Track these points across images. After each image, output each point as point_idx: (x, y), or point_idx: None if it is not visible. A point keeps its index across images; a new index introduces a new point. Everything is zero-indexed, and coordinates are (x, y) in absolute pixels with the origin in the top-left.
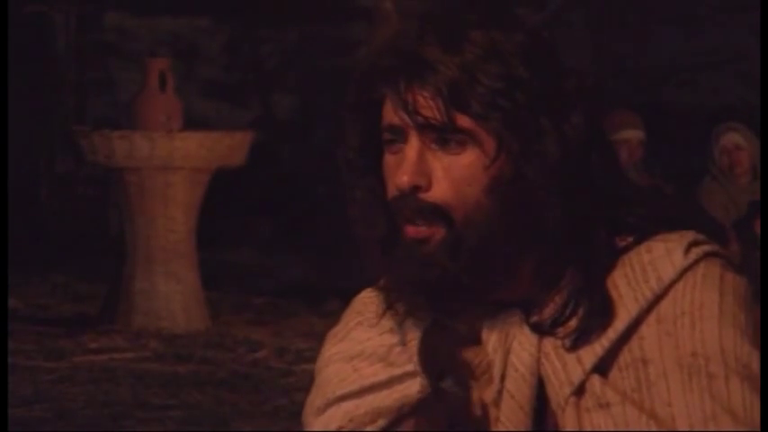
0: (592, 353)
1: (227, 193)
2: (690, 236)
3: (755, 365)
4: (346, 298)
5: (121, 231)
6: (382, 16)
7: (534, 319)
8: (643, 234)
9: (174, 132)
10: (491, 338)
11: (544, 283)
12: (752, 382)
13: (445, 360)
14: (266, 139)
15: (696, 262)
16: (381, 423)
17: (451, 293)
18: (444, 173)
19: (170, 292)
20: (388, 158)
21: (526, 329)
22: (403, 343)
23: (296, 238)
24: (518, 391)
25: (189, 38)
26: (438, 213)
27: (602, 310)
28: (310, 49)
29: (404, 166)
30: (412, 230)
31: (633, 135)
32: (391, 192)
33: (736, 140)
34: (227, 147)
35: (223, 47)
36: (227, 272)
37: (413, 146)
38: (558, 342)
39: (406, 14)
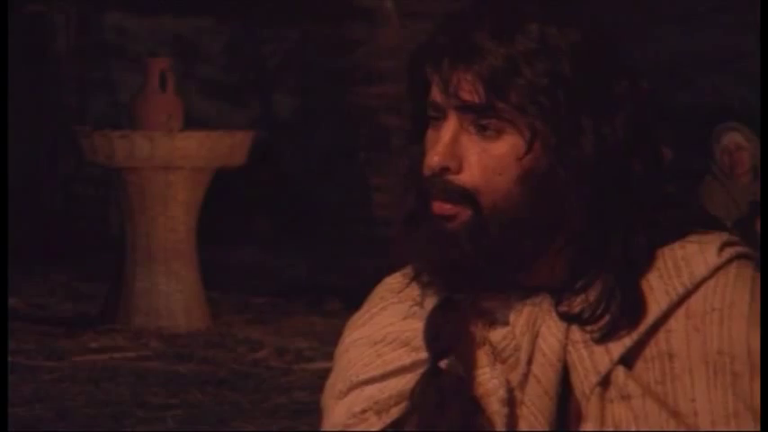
0: (620, 344)
1: (227, 192)
2: (724, 236)
3: None
4: (346, 298)
5: (122, 231)
6: (383, 16)
7: (563, 307)
8: (678, 232)
9: (175, 132)
10: (519, 322)
11: (575, 275)
12: None
13: (450, 339)
14: (267, 139)
15: (729, 261)
16: (406, 405)
17: (469, 274)
18: (477, 158)
19: (170, 291)
20: (430, 134)
21: (555, 316)
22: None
23: (296, 237)
24: (544, 375)
25: (189, 38)
26: (465, 196)
27: (633, 304)
28: (311, 50)
29: (437, 146)
30: (438, 207)
31: None
32: (425, 168)
33: (737, 140)
34: (227, 147)
35: (224, 47)
36: (227, 271)
37: (449, 127)
38: (586, 331)
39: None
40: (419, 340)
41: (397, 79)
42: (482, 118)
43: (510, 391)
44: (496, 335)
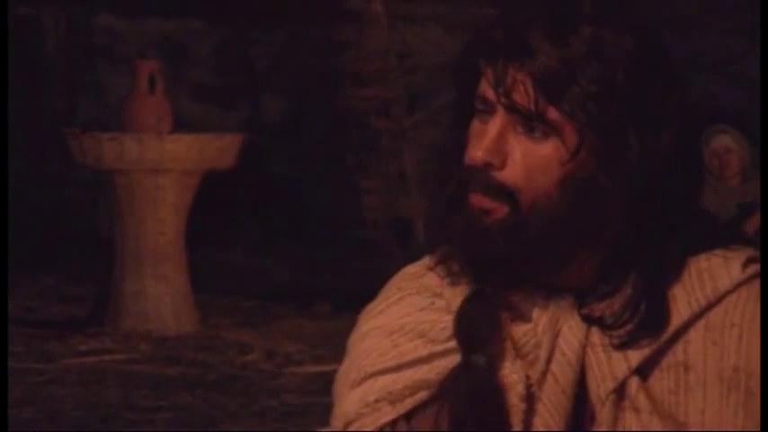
0: (639, 352)
1: (216, 195)
2: (749, 252)
3: None
4: (336, 300)
5: (111, 233)
6: (372, 18)
7: (585, 310)
8: (706, 245)
9: (164, 134)
10: (542, 319)
11: (602, 279)
12: None
13: (482, 333)
14: (256, 142)
15: (752, 278)
16: (422, 395)
17: (501, 269)
18: (521, 157)
19: (159, 294)
20: (476, 124)
21: (576, 316)
22: (446, 320)
23: (286, 240)
24: (562, 375)
25: (178, 40)
26: (505, 193)
27: (656, 314)
28: (300, 52)
29: (483, 141)
30: (476, 200)
31: None
32: (467, 159)
33: (726, 143)
34: (216, 149)
35: (212, 49)
36: (216, 274)
37: (496, 123)
38: (607, 336)
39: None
40: (436, 332)
41: (386, 81)
42: (530, 121)
43: (528, 387)
44: (518, 330)
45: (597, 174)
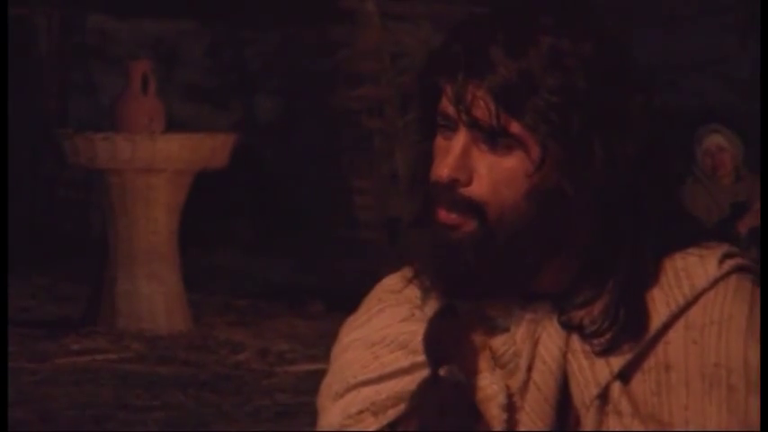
0: (621, 356)
1: (209, 195)
2: (724, 248)
3: None
4: (329, 300)
5: (104, 233)
6: (365, 18)
7: (564, 317)
8: (680, 244)
9: (157, 134)
10: (520, 328)
11: (579, 286)
12: None
13: (450, 347)
14: (248, 142)
15: (729, 273)
16: (404, 407)
17: (471, 283)
18: (487, 171)
19: (152, 293)
20: (439, 141)
21: (555, 323)
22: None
23: (278, 240)
24: (544, 383)
25: (171, 40)
26: (472, 208)
27: (635, 318)
28: (292, 52)
29: (447, 158)
30: (443, 215)
31: None
32: (433, 176)
33: (718, 142)
34: (209, 149)
35: (205, 49)
36: (209, 274)
37: (460, 140)
38: (588, 342)
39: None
40: (417, 343)
41: (379, 81)
42: (493, 136)
43: (509, 396)
44: (497, 341)
45: (563, 183)
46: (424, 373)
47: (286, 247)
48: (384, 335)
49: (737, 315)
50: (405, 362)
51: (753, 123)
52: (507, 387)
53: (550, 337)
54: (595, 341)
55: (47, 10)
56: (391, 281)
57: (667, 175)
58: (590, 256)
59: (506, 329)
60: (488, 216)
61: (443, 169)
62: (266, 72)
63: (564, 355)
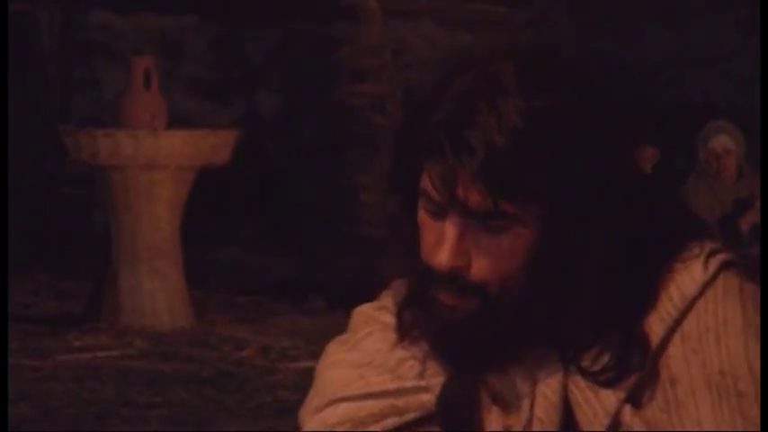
0: (626, 382)
1: (211, 191)
2: (705, 246)
3: None
4: (331, 297)
5: (106, 229)
6: (367, 14)
7: (563, 357)
8: (667, 259)
9: (159, 131)
10: (519, 368)
11: (579, 330)
12: None
13: (466, 410)
14: (251, 138)
15: (716, 275)
16: (391, 422)
17: (476, 355)
18: (485, 251)
19: (155, 290)
20: (424, 218)
21: (553, 359)
22: (415, 357)
23: (281, 236)
24: (547, 417)
25: (174, 36)
26: (475, 289)
27: (640, 353)
28: (295, 48)
29: (443, 246)
30: (446, 298)
31: None
32: (426, 255)
33: (725, 144)
34: (211, 145)
35: (208, 45)
36: (211, 270)
37: (453, 225)
38: (588, 372)
39: (451, 81)
40: (405, 369)
41: (382, 77)
42: (487, 219)
43: None
44: (497, 383)
45: (562, 246)
46: (413, 398)
47: (288, 244)
48: (372, 358)
49: (732, 317)
50: (391, 385)
51: (755, 120)
52: (508, 427)
53: (549, 372)
54: (600, 376)
55: (49, 6)
56: (373, 308)
57: (654, 210)
58: (589, 303)
59: (506, 372)
60: (490, 293)
61: (441, 258)
62: (269, 68)
63: (565, 388)
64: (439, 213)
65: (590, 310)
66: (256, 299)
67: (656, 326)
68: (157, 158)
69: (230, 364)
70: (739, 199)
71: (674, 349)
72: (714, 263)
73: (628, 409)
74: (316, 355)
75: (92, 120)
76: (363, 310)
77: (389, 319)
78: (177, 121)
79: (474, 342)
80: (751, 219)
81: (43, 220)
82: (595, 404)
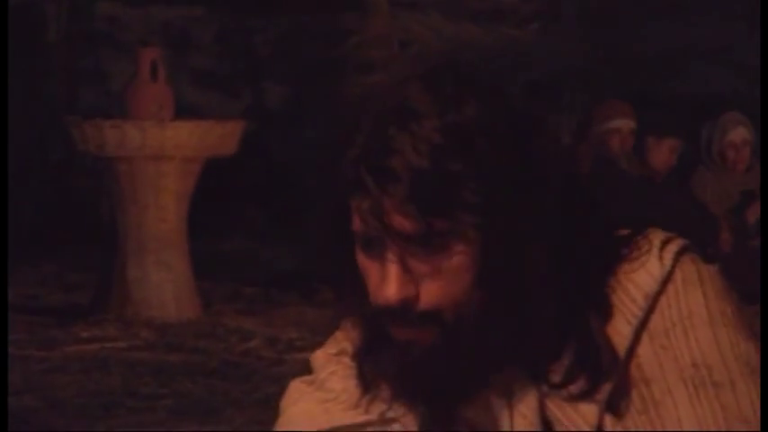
0: (602, 390)
1: (218, 182)
2: (656, 237)
3: (755, 357)
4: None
5: (113, 221)
6: (374, 5)
7: (534, 374)
8: (618, 256)
9: (166, 122)
10: (492, 393)
11: (540, 340)
12: (754, 376)
13: None
14: (257, 129)
15: (673, 267)
16: None
17: (444, 387)
18: (431, 278)
19: (161, 281)
20: (364, 261)
21: (524, 377)
22: (381, 396)
23: (287, 227)
24: None
25: (180, 27)
26: (430, 318)
27: (606, 355)
28: (302, 39)
29: (388, 282)
30: (402, 333)
31: (624, 125)
32: (374, 298)
33: (744, 136)
34: (218, 136)
35: (214, 36)
36: (218, 261)
37: (393, 258)
38: (562, 386)
39: (364, 113)
40: (373, 407)
41: (389, 69)
42: (425, 240)
43: None
44: (471, 410)
45: (505, 254)
46: (378, 429)
47: (295, 235)
48: (337, 395)
49: (696, 308)
50: (359, 419)
51: (762, 116)
52: None
53: (524, 392)
54: (572, 387)
55: None
56: (332, 353)
57: (593, 206)
58: (543, 308)
59: (479, 398)
60: (446, 320)
61: (389, 293)
62: (275, 59)
63: (542, 405)
64: (376, 250)
65: (547, 320)
66: (263, 290)
67: (622, 329)
68: (164, 149)
69: (237, 355)
70: (747, 191)
71: (644, 349)
72: (668, 255)
73: (609, 419)
74: (323, 346)
75: (98, 111)
76: (321, 356)
77: (350, 362)
78: (184, 112)
79: (439, 376)
80: (757, 210)
81: (49, 212)
82: (576, 418)
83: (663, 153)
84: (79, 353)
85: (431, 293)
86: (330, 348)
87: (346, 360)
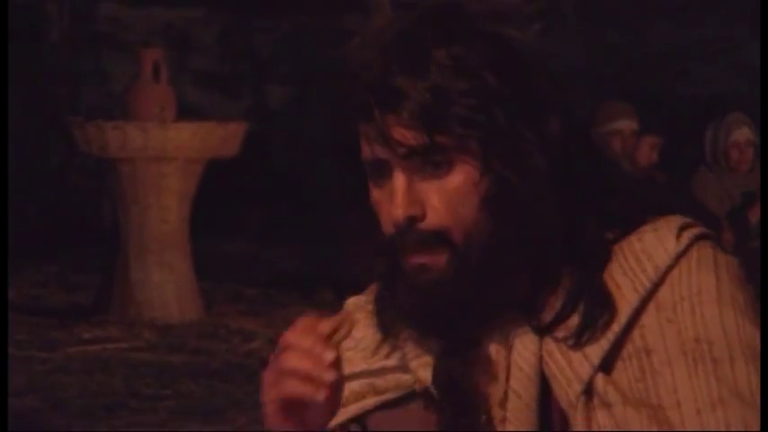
0: (598, 348)
1: (220, 183)
2: (678, 220)
3: (758, 344)
4: (339, 288)
5: (115, 222)
6: (376, 6)
7: (534, 321)
8: (631, 224)
9: (168, 123)
10: (493, 340)
11: (542, 284)
12: (756, 362)
13: (466, 387)
14: (259, 130)
15: (689, 246)
16: (370, 402)
17: (456, 314)
18: (437, 197)
19: (163, 282)
20: (376, 194)
21: (527, 329)
22: (396, 340)
23: (289, 228)
24: (524, 390)
25: (182, 28)
26: (439, 239)
27: (603, 305)
28: (303, 40)
29: (395, 199)
30: (413, 260)
31: (626, 125)
32: (386, 227)
33: (748, 136)
34: (220, 137)
35: (216, 37)
36: (220, 262)
37: (400, 177)
38: (560, 339)
39: (367, 45)
40: (386, 350)
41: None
42: (428, 156)
43: (488, 411)
44: (472, 354)
45: (510, 180)
46: (396, 375)
47: (297, 236)
48: (357, 343)
49: (706, 286)
50: (373, 365)
51: (762, 116)
52: (486, 399)
53: (523, 343)
54: (562, 331)
55: None
56: (361, 298)
57: (595, 152)
58: (546, 248)
59: (479, 342)
60: (455, 241)
61: (396, 211)
62: (277, 60)
63: (540, 360)
64: (385, 177)
65: (549, 245)
66: (265, 291)
67: (630, 296)
68: (166, 150)
69: (239, 355)
70: (748, 192)
71: (649, 319)
72: (687, 235)
73: (601, 378)
74: None
75: (100, 112)
76: (352, 303)
77: (373, 309)
78: (186, 113)
79: (450, 301)
80: (759, 211)
81: (51, 213)
82: (569, 372)
83: (643, 150)
84: (81, 354)
85: (437, 213)
86: (363, 296)
87: (371, 308)
